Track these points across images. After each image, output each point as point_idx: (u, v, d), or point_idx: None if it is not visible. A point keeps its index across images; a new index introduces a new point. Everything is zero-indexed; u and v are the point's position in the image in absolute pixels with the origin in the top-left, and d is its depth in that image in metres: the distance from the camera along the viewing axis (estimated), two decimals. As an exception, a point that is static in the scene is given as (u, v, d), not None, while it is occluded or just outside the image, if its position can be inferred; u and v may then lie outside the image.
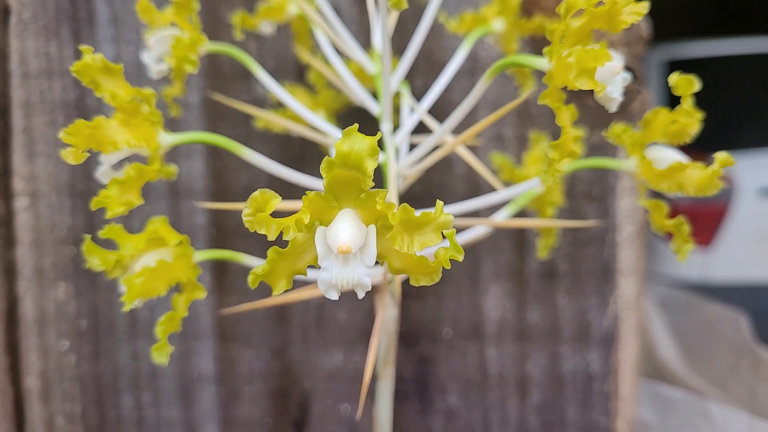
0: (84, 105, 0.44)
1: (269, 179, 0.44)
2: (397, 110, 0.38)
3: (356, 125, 0.18)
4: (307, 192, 0.19)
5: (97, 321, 0.45)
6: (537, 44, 0.42)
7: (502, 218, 0.33)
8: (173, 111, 0.31)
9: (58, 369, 0.45)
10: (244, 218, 0.18)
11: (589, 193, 0.43)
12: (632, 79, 0.42)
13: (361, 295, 0.19)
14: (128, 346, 0.45)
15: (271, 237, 0.18)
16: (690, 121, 0.27)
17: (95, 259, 0.22)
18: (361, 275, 0.18)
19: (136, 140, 0.22)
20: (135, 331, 0.45)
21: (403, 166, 0.30)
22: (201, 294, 0.24)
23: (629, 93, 0.42)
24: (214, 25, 0.43)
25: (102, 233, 0.23)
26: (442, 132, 0.29)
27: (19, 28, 0.43)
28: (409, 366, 0.45)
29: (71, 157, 0.22)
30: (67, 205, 0.44)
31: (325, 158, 0.18)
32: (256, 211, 0.17)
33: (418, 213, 0.19)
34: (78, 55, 0.44)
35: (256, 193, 0.18)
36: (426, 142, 0.30)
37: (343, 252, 0.18)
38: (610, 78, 0.22)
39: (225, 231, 0.44)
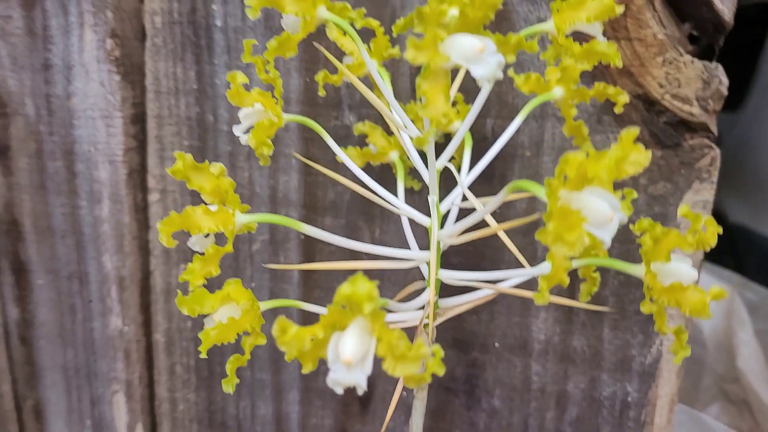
0: (203, 120, 0.51)
1: (352, 195, 0.49)
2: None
3: (360, 274, 0.23)
4: (327, 307, 0.24)
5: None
6: (599, 108, 0.43)
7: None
8: (263, 162, 0.37)
9: (178, 330, 0.56)
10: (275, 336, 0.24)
11: (646, 239, 0.44)
12: (704, 135, 0.42)
13: (360, 392, 0.24)
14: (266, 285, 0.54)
15: (289, 358, 0.24)
16: (708, 236, 0.28)
17: (185, 309, 0.29)
18: (360, 380, 0.24)
19: (216, 225, 0.29)
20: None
21: (444, 234, 0.34)
22: (262, 341, 0.31)
23: (701, 148, 0.42)
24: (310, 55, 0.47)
25: (190, 296, 0.29)
26: (482, 214, 0.32)
27: (152, 50, 0.51)
28: (460, 368, 0.51)
29: (165, 240, 0.29)
30: (188, 201, 0.53)
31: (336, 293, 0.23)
32: (281, 333, 0.23)
33: (402, 345, 0.24)
34: (199, 77, 0.50)
35: (280, 319, 0.23)
36: (469, 219, 0.33)
37: (347, 363, 0.23)
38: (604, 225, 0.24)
39: (311, 239, 0.51)
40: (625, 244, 0.45)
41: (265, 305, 0.33)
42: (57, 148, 0.55)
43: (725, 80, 0.41)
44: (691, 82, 0.41)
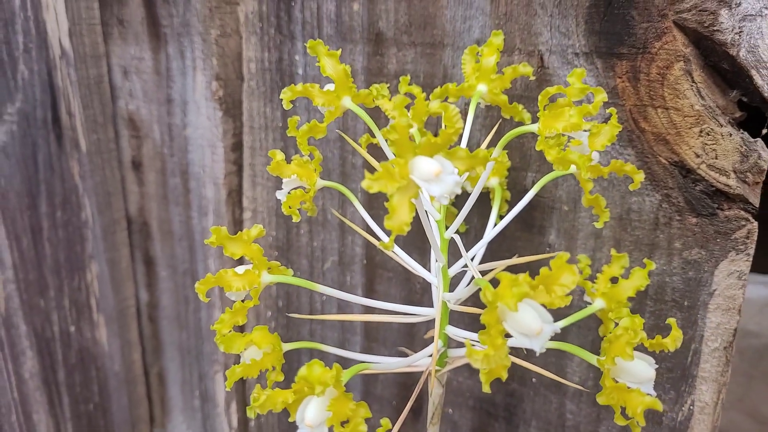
0: (286, 153, 0.59)
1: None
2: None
3: (315, 361, 0.29)
4: (294, 383, 0.31)
5: (288, 303, 0.63)
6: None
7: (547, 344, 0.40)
8: (311, 213, 0.44)
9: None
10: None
11: (680, 303, 0.45)
12: (742, 207, 0.42)
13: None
14: (306, 324, 0.62)
15: (256, 414, 0.30)
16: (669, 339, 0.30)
17: (222, 347, 0.37)
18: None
19: (243, 285, 0.36)
20: (313, 321, 0.62)
21: (449, 297, 0.39)
22: (280, 378, 0.38)
23: (737, 220, 0.42)
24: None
25: (222, 341, 0.37)
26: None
27: (248, 91, 0.59)
28: (500, 396, 0.55)
29: (201, 296, 0.37)
30: (273, 221, 0.61)
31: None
32: (256, 397, 0.30)
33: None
34: (283, 117, 0.58)
35: (256, 387, 0.30)
36: (472, 287, 0.38)
37: (308, 426, 0.29)
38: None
39: (374, 262, 0.57)
40: (664, 305, 0.46)
41: (288, 346, 0.40)
42: (176, 168, 0.66)
43: (765, 154, 0.40)
44: (728, 155, 0.41)
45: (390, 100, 0.41)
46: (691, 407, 0.47)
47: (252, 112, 0.60)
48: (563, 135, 0.33)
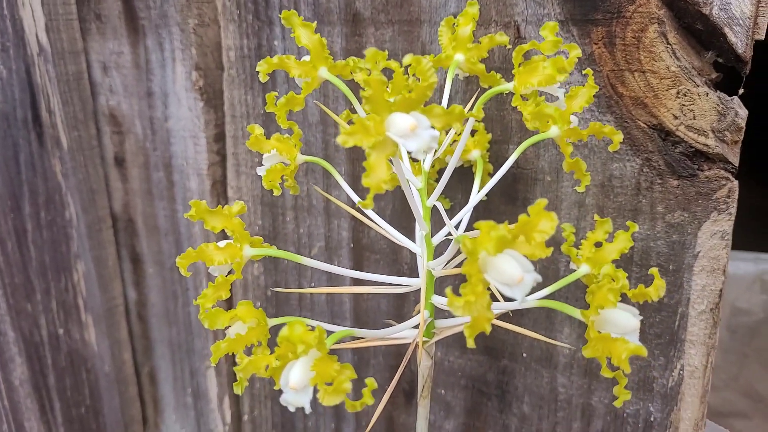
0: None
1: (395, 206, 0.55)
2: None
3: (297, 320, 0.28)
4: (278, 344, 0.30)
5: (277, 293, 0.62)
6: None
7: (531, 300, 0.40)
8: (293, 191, 0.44)
9: (254, 319, 0.65)
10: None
11: (665, 267, 0.45)
12: (722, 167, 0.42)
13: (307, 412, 0.30)
14: (296, 311, 0.62)
15: (240, 382, 0.30)
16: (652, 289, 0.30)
17: (206, 323, 0.37)
18: (304, 402, 0.30)
19: (225, 258, 0.36)
20: (302, 306, 0.62)
21: (434, 265, 0.39)
22: (266, 352, 0.38)
23: (717, 180, 0.42)
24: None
25: (205, 316, 0.37)
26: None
27: (228, 80, 0.59)
28: (492, 374, 0.55)
29: (183, 270, 0.37)
30: (259, 210, 0.61)
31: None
32: (239, 361, 0.29)
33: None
34: (264, 103, 0.58)
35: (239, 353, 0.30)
36: (455, 253, 0.38)
37: (293, 389, 0.29)
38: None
39: (360, 245, 0.57)
40: (644, 268, 0.46)
41: (274, 321, 0.40)
42: (159, 161, 0.66)
43: (742, 112, 0.40)
44: (706, 114, 0.41)
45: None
46: (681, 372, 0.47)
47: (233, 101, 0.60)
48: (539, 92, 0.34)
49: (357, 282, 0.41)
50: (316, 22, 0.53)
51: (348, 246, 0.58)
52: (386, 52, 0.44)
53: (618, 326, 0.31)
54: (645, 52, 0.42)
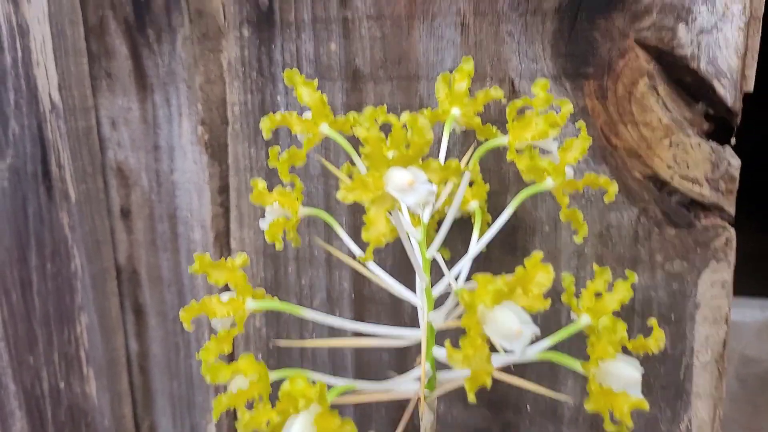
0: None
1: (395, 257, 0.55)
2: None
3: (298, 374, 0.28)
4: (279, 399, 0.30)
5: (278, 345, 0.62)
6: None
7: (532, 353, 0.39)
8: (295, 243, 0.44)
9: (256, 371, 0.64)
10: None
11: (667, 317, 0.45)
12: (718, 215, 0.42)
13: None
14: (297, 364, 0.62)
15: None
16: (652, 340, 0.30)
17: (208, 377, 0.37)
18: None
19: (227, 312, 0.36)
20: (303, 357, 0.62)
21: (434, 317, 0.39)
22: (268, 407, 0.37)
23: (714, 229, 0.42)
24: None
25: (207, 370, 0.37)
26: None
27: (233, 134, 0.60)
28: (497, 428, 0.54)
29: (186, 324, 0.37)
30: (261, 262, 0.61)
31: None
32: (241, 418, 0.29)
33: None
34: (268, 159, 0.59)
35: (240, 408, 0.30)
36: (455, 304, 0.38)
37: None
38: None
39: (362, 296, 0.57)
40: (645, 318, 0.46)
41: (275, 375, 0.39)
42: (164, 213, 0.67)
43: (735, 162, 0.41)
44: (699, 164, 0.42)
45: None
46: (689, 425, 0.46)
47: (237, 155, 0.61)
48: (533, 146, 0.34)
49: (358, 334, 0.41)
50: (317, 78, 0.55)
51: (349, 297, 0.59)
52: (385, 107, 0.46)
53: (619, 379, 0.31)
54: (637, 104, 0.43)
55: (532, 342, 0.29)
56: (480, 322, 0.28)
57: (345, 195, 0.28)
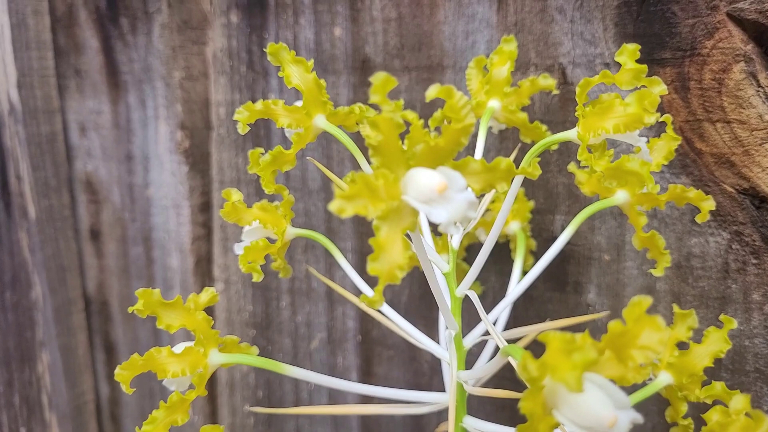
0: (262, 210, 0.50)
1: (411, 294, 0.45)
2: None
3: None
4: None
5: (269, 392, 0.52)
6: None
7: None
8: (283, 274, 0.35)
9: (242, 426, 0.54)
10: None
11: (765, 373, 0.35)
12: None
13: None
14: (291, 419, 0.52)
15: None
16: None
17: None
18: None
19: (182, 369, 0.27)
20: (299, 401, 0.52)
21: (466, 377, 0.29)
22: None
23: None
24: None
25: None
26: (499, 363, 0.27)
27: (218, 140, 0.51)
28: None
29: (125, 387, 0.27)
30: (249, 294, 0.52)
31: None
32: None
33: None
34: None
35: None
36: (491, 357, 0.28)
37: None
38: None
39: (370, 338, 0.47)
40: (738, 375, 0.36)
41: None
42: (138, 234, 0.58)
43: None
44: (818, 175, 0.32)
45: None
46: None
47: (222, 165, 0.52)
48: (614, 140, 0.25)
49: (367, 396, 0.31)
50: (319, 71, 0.46)
51: (355, 338, 0.49)
52: (401, 102, 0.36)
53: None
54: (729, 97, 0.33)
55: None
56: (548, 405, 0.18)
57: (342, 206, 0.19)
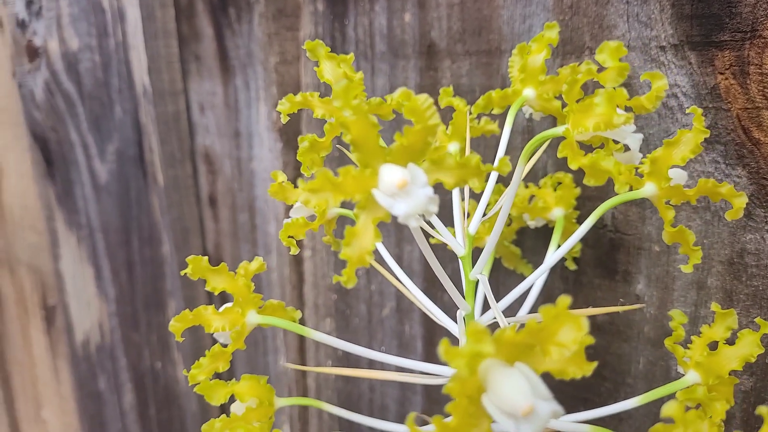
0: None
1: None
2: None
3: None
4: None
5: (347, 351, 0.56)
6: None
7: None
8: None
9: (325, 379, 0.59)
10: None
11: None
12: None
13: None
14: (366, 383, 0.56)
15: None
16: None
17: (204, 394, 0.32)
18: None
19: (223, 325, 0.31)
20: (373, 366, 0.55)
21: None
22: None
23: None
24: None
25: (202, 386, 0.32)
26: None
27: (306, 120, 0.55)
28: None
29: (177, 335, 0.32)
30: (332, 261, 0.56)
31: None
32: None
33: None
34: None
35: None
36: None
37: None
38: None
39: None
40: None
41: (286, 402, 0.33)
42: (244, 203, 0.64)
43: None
44: None
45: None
46: None
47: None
48: (601, 136, 0.24)
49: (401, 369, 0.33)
50: (391, 57, 0.48)
51: (420, 310, 0.51)
52: (451, 88, 0.37)
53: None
54: (793, 83, 0.30)
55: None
56: (479, 389, 0.20)
57: (307, 197, 0.21)
